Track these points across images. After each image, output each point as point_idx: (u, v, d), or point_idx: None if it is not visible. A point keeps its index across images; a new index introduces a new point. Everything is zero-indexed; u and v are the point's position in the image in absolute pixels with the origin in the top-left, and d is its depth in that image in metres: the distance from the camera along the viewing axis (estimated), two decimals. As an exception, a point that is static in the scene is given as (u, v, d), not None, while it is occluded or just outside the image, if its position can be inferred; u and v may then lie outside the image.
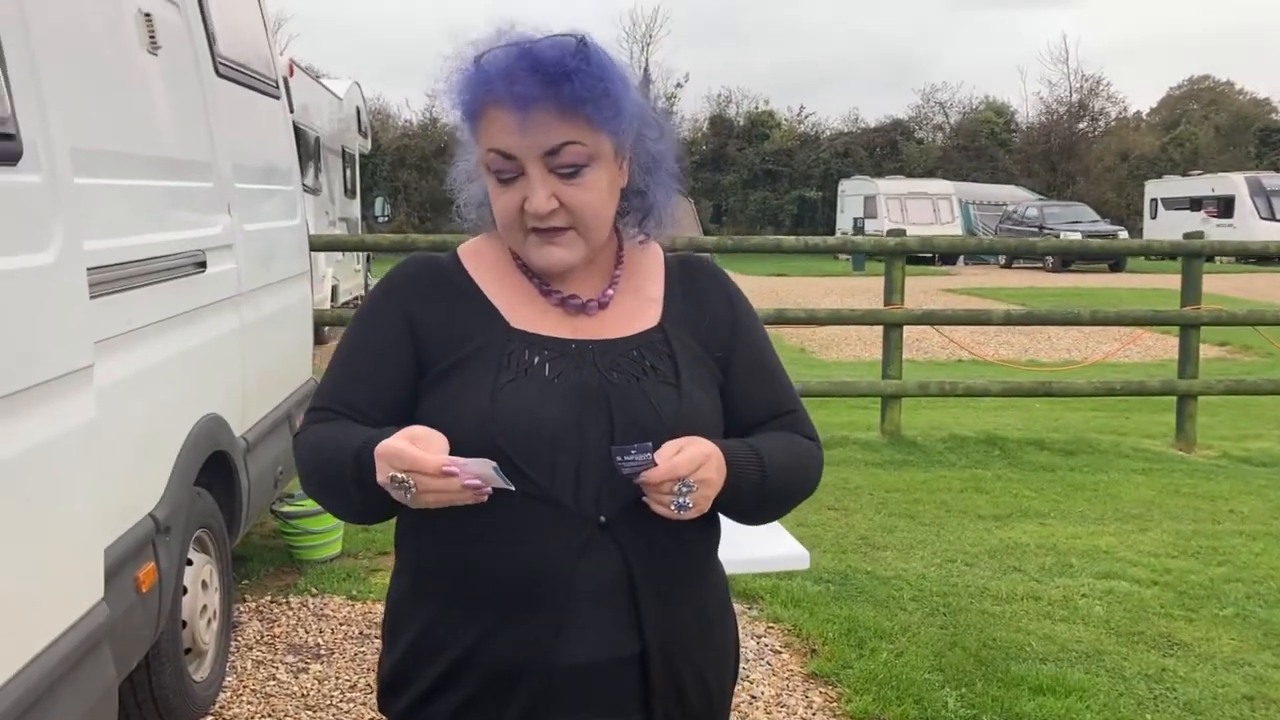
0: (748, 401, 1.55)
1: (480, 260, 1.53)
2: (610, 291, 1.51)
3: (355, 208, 15.49)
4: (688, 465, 1.35)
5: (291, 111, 5.85)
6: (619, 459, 1.35)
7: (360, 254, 15.09)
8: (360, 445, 1.36)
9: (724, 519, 1.55)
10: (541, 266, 1.45)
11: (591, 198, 1.42)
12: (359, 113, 15.61)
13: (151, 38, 3.14)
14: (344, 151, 14.46)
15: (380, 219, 17.34)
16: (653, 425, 1.41)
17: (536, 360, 1.44)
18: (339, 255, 12.49)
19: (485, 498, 1.33)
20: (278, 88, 4.84)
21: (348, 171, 14.75)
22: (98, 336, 2.36)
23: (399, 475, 1.29)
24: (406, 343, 1.47)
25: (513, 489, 1.32)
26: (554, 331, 1.47)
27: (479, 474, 1.29)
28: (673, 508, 1.36)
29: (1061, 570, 4.77)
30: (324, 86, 13.73)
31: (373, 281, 16.06)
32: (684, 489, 1.35)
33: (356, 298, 14.78)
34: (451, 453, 1.40)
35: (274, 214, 4.50)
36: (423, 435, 1.32)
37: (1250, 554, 5.03)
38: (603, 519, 1.40)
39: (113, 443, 2.50)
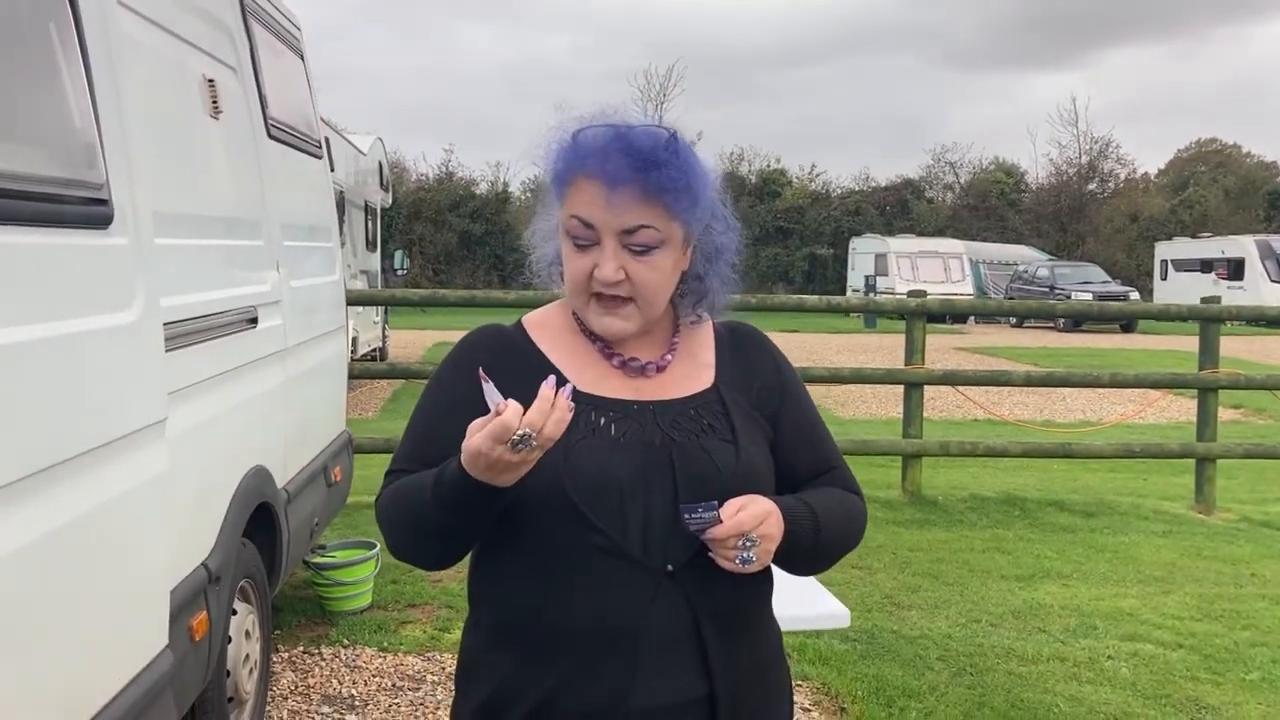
0: (795, 458, 1.64)
1: (545, 329, 1.64)
2: (669, 357, 1.62)
3: (376, 260, 15.68)
4: (752, 521, 1.44)
5: (333, 170, 5.99)
6: (687, 516, 1.44)
7: (378, 307, 15.25)
8: (439, 470, 1.45)
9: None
10: (601, 333, 1.57)
11: (655, 277, 1.53)
12: (381, 167, 15.87)
13: (214, 103, 3.27)
14: (366, 205, 14.67)
15: (399, 271, 17.55)
16: (713, 479, 1.51)
17: (603, 421, 1.54)
18: (359, 308, 12.62)
19: (737, 565, 1.46)
20: (320, 148, 4.97)
21: (369, 224, 14.95)
22: (169, 390, 2.45)
23: (515, 436, 1.33)
24: (478, 411, 1.55)
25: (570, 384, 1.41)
26: (617, 394, 1.57)
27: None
28: (738, 562, 1.45)
29: (1086, 632, 4.79)
30: (348, 141, 13.96)
31: (390, 334, 16.24)
32: (748, 544, 1.45)
33: (375, 350, 14.91)
34: (528, 512, 1.49)
35: (316, 270, 4.61)
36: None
37: (1274, 618, 5.04)
38: (670, 568, 1.49)
39: (176, 493, 2.57)
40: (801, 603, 2.54)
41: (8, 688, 1.74)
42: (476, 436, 1.37)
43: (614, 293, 1.52)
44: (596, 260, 1.51)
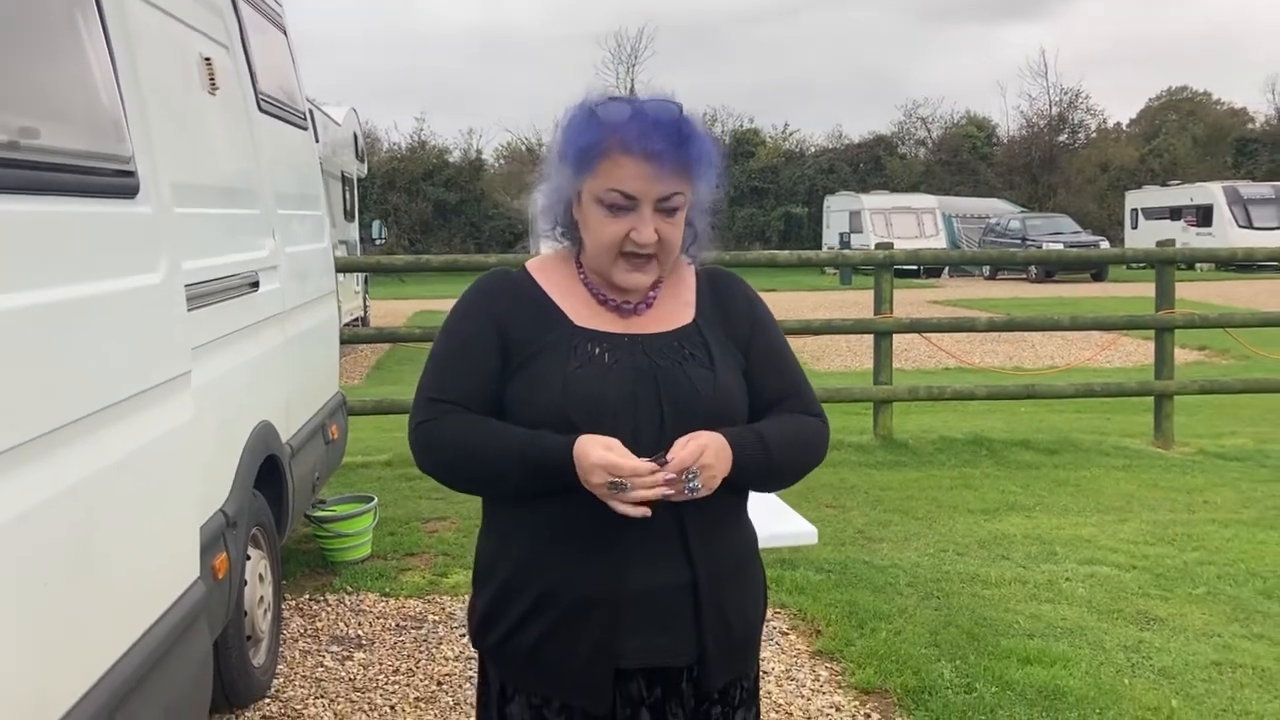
0: (763, 383, 1.88)
1: (547, 274, 1.87)
2: (653, 294, 1.85)
3: (354, 230, 15.81)
4: (690, 457, 1.68)
5: (317, 141, 6.18)
6: None
7: (359, 276, 15.41)
8: (538, 444, 1.69)
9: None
10: (625, 286, 1.79)
11: (678, 233, 1.78)
12: (356, 138, 15.95)
13: (211, 79, 3.48)
14: (343, 175, 14.78)
15: (376, 241, 17.68)
16: (693, 400, 1.76)
17: (597, 351, 1.78)
18: (340, 276, 12.77)
19: (685, 494, 1.68)
20: (305, 120, 5.17)
21: (346, 195, 15.07)
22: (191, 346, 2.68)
23: (616, 480, 1.63)
24: (494, 342, 1.80)
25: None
26: (610, 328, 1.81)
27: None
28: (686, 492, 1.69)
29: (1046, 557, 5.10)
30: (322, 111, 14.04)
31: (371, 303, 16.40)
32: (691, 476, 1.69)
33: (357, 319, 15.08)
34: (531, 424, 1.73)
35: (306, 237, 4.83)
36: (616, 444, 1.66)
37: (1222, 540, 5.37)
38: None
39: (199, 442, 2.81)
40: (772, 522, 2.80)
41: (74, 606, 1.99)
42: (598, 453, 1.64)
43: (646, 252, 1.75)
44: (632, 225, 1.73)
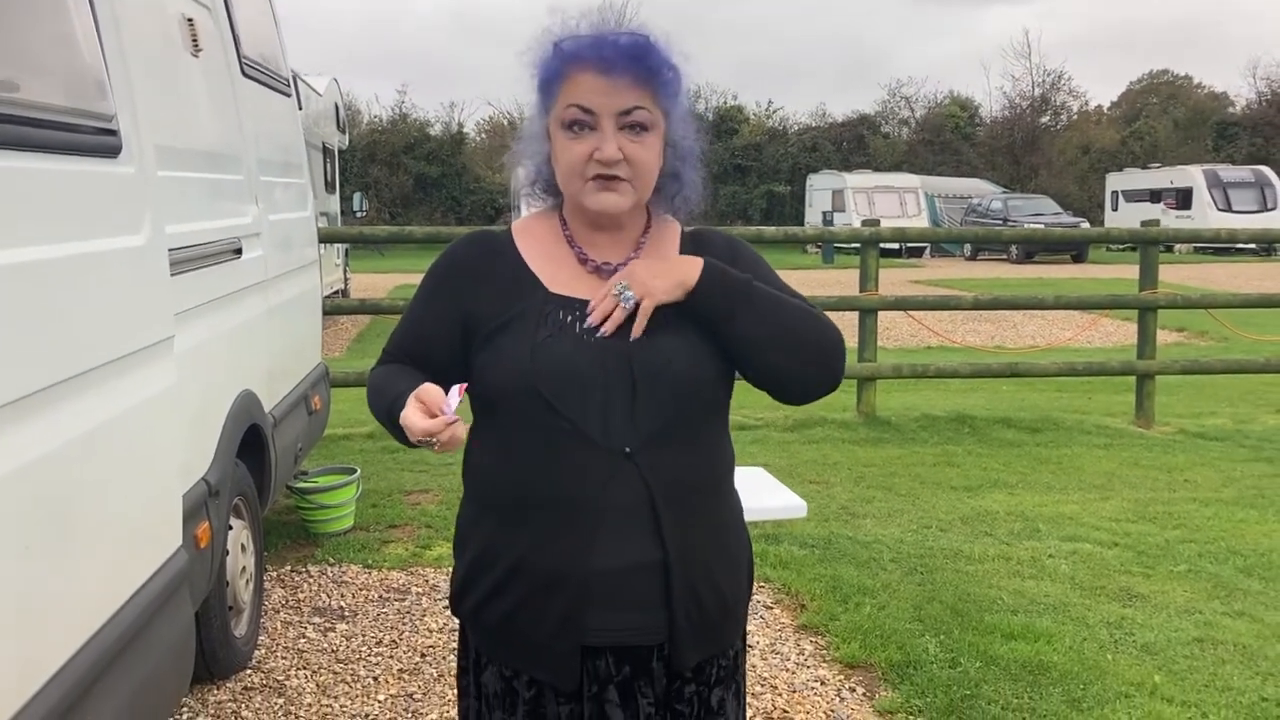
0: None
1: (529, 235, 1.81)
2: (634, 255, 1.78)
3: (335, 202, 15.67)
4: (611, 287, 1.68)
5: (301, 109, 6.10)
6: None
7: (339, 249, 15.29)
8: (390, 403, 1.68)
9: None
10: (597, 210, 1.71)
11: (649, 156, 1.70)
12: (337, 109, 15.79)
13: (194, 41, 3.41)
14: (324, 146, 14.63)
15: (358, 213, 17.55)
16: (664, 371, 1.69)
17: (570, 320, 1.71)
18: (321, 248, 12.67)
19: (622, 305, 1.67)
20: (289, 85, 5.09)
21: (327, 166, 14.92)
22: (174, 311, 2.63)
23: (423, 440, 1.59)
24: (458, 311, 1.75)
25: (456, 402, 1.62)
26: (586, 295, 1.73)
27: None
28: (622, 304, 1.67)
29: (1029, 534, 5.12)
30: (304, 82, 13.88)
31: (351, 276, 16.28)
32: (620, 288, 1.68)
33: (337, 291, 14.97)
34: (504, 401, 1.69)
35: (289, 205, 4.76)
36: (427, 398, 1.60)
37: (1203, 518, 5.40)
38: (627, 450, 1.67)
39: (182, 408, 2.77)
40: (762, 496, 2.78)
41: (56, 573, 1.95)
42: (406, 414, 1.60)
43: (613, 172, 1.67)
44: (595, 144, 1.66)
